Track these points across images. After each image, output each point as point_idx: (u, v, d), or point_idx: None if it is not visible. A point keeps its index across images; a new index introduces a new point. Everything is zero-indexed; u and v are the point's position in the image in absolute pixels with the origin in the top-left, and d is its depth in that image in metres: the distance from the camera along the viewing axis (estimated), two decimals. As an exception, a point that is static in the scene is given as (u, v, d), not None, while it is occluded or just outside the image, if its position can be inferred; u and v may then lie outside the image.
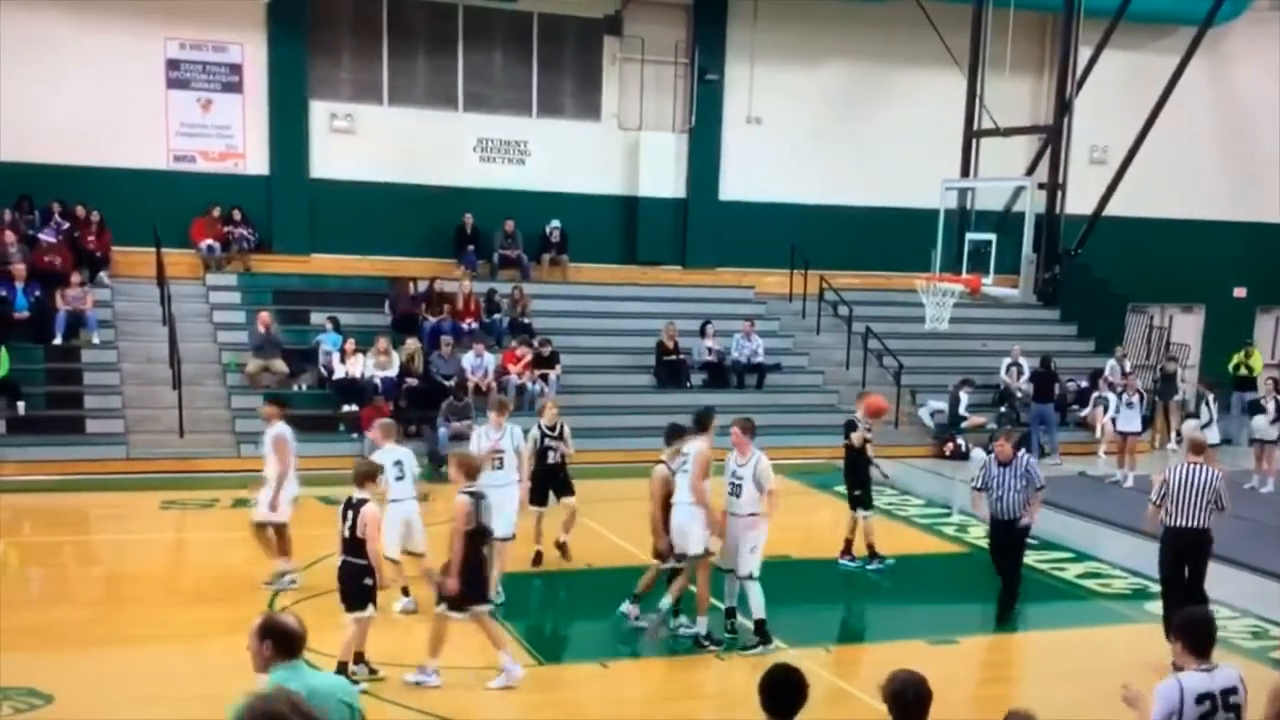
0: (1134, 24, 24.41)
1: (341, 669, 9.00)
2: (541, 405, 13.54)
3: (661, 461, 10.72)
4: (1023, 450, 11.85)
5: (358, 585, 9.36)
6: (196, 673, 9.89)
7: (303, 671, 5.03)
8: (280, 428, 11.96)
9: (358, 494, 9.39)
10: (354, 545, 9.32)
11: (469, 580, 9.29)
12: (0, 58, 19.67)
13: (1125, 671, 11.28)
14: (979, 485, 11.75)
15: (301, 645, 5.08)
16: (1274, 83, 25.34)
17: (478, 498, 9.40)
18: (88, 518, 15.50)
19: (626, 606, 10.93)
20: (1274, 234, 26.71)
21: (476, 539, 9.30)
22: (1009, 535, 11.63)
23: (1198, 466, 10.87)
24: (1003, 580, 11.77)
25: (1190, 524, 10.83)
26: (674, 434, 10.85)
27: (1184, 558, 10.93)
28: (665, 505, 10.56)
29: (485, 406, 18.63)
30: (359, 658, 9.49)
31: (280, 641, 5.01)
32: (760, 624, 10.50)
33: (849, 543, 13.54)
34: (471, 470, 9.64)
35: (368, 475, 9.59)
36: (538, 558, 12.90)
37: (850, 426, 13.52)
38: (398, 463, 11.22)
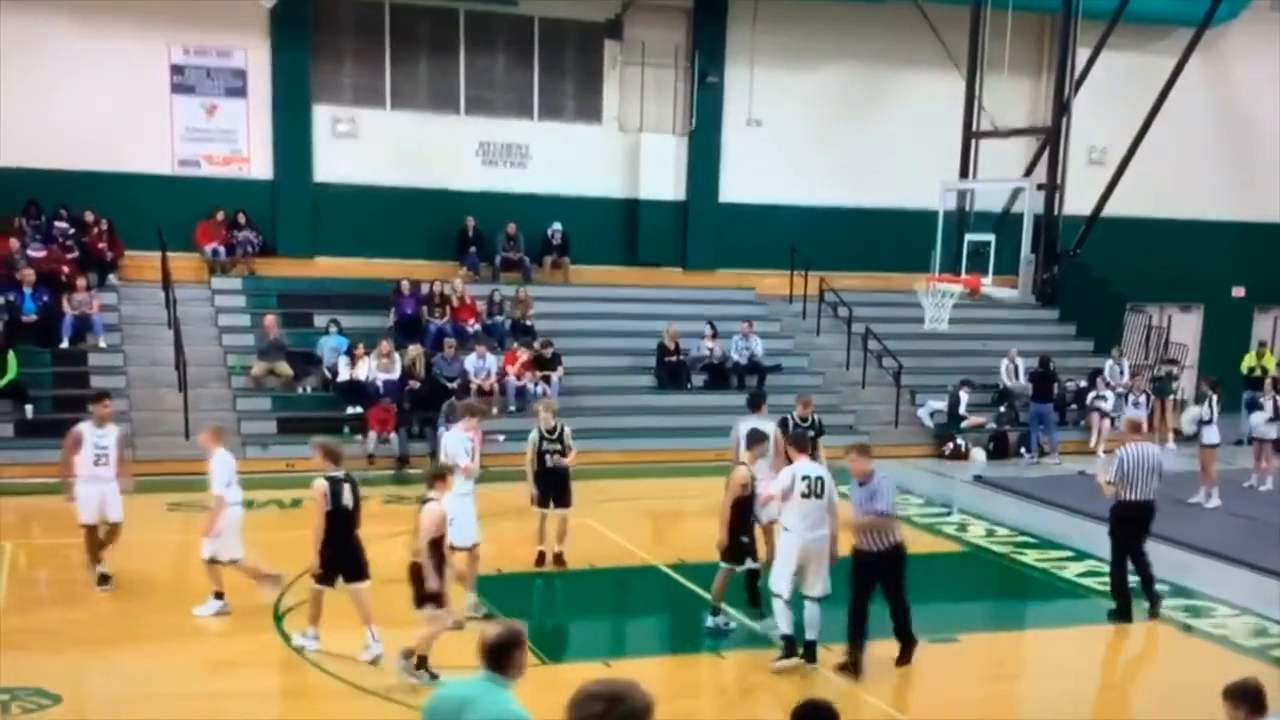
0: (1132, 25, 24.47)
1: (421, 663, 9.43)
2: (537, 408, 13.46)
3: (742, 464, 10.84)
4: (879, 475, 10.13)
5: (415, 585, 9.50)
6: (203, 672, 10.10)
7: (494, 689, 4.97)
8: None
9: (428, 494, 9.54)
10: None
11: (330, 556, 10.02)
12: (6, 63, 19.80)
13: (1125, 669, 11.60)
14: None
15: (505, 658, 5.05)
16: (1272, 83, 25.39)
17: (334, 482, 9.98)
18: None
19: (711, 621, 10.89)
20: (1272, 233, 26.75)
21: (334, 520, 9.98)
22: (880, 566, 10.10)
23: (1147, 445, 12.11)
24: (852, 616, 10.13)
25: (1143, 498, 11.86)
26: (756, 439, 11.00)
27: (1141, 530, 11.87)
28: (738, 506, 10.62)
29: (489, 407, 19.04)
30: (422, 661, 9.57)
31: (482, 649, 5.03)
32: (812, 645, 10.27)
33: None
34: (332, 455, 10.23)
35: (438, 476, 9.79)
36: (540, 558, 12.95)
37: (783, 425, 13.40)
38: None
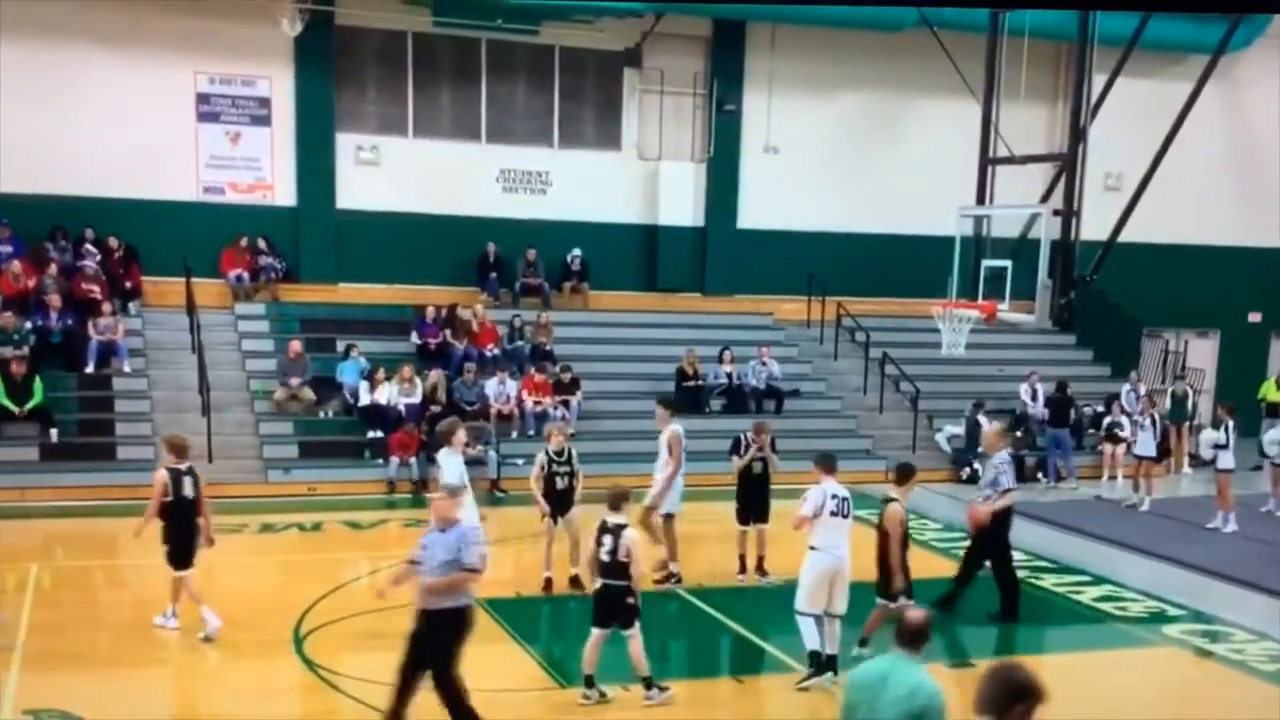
0: (1147, 52, 24.47)
1: (646, 683, 9.72)
2: (549, 431, 13.52)
3: (894, 499, 10.69)
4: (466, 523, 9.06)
5: (624, 606, 9.62)
6: (224, 695, 10.16)
7: (907, 664, 5.78)
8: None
9: (614, 518, 9.64)
10: (614, 569, 9.56)
11: (175, 542, 11.05)
12: (35, 91, 20.10)
13: (1143, 694, 11.61)
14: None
15: (921, 639, 5.88)
16: (1286, 109, 25.49)
17: (175, 474, 10.98)
18: (118, 543, 15.41)
19: (857, 650, 10.71)
20: (1289, 259, 26.75)
21: (174, 508, 10.96)
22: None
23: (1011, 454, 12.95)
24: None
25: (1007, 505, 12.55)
26: (907, 473, 11.05)
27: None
28: (903, 544, 10.64)
29: (508, 431, 19.19)
30: (590, 681, 9.78)
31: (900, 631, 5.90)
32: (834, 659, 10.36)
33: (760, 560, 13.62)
34: (176, 449, 11.18)
35: (624, 498, 9.87)
36: (548, 584, 12.90)
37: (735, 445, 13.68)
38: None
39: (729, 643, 11.69)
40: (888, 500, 10.70)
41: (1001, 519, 12.55)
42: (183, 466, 11.14)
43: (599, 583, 9.70)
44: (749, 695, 10.70)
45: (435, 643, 8.39)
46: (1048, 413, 21.36)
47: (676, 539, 13.40)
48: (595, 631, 9.73)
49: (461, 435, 11.88)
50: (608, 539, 9.53)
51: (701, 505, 14.71)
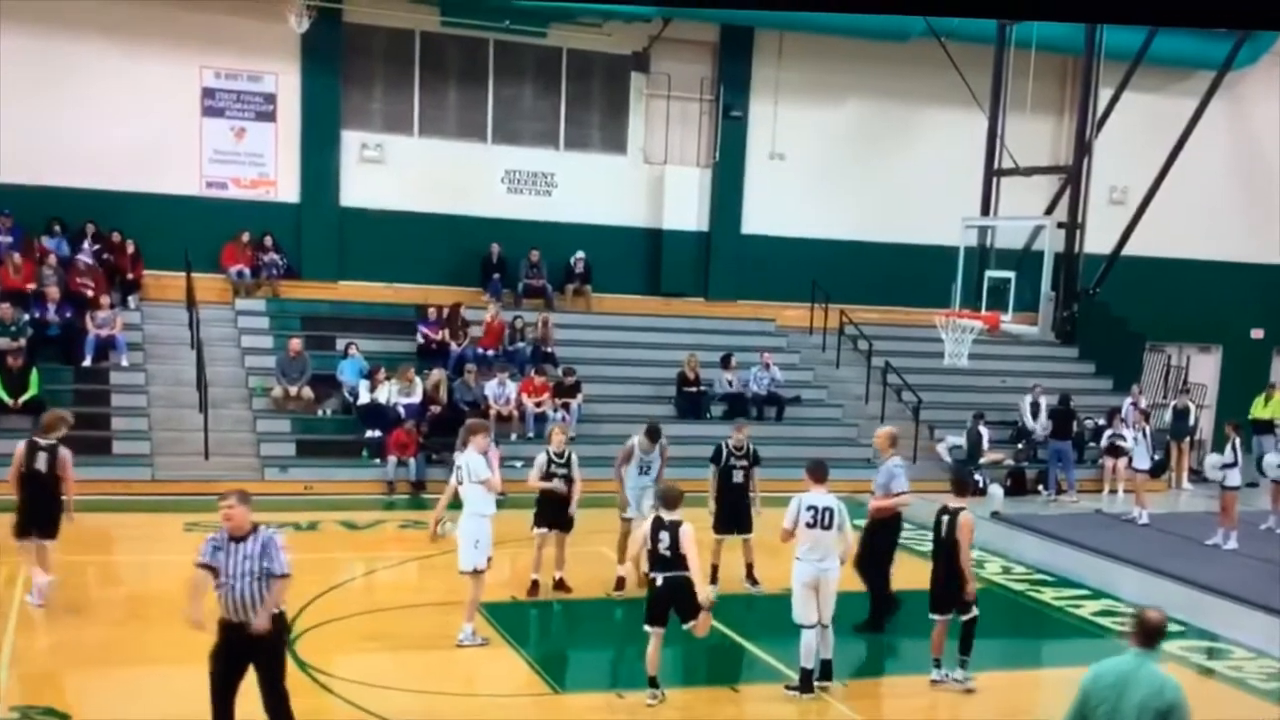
0: (1153, 66, 24.50)
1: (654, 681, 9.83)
2: (550, 431, 13.47)
3: (963, 509, 10.57)
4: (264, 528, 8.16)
5: (690, 595, 9.71)
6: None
7: (1149, 663, 6.12)
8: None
9: (670, 515, 9.81)
10: (675, 561, 9.71)
11: (25, 514, 11.57)
12: (40, 83, 20.04)
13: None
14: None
15: (1158, 638, 6.25)
16: (1291, 127, 25.49)
17: (31, 447, 11.60)
18: (112, 538, 15.47)
19: (936, 674, 10.68)
20: (1292, 275, 26.74)
21: (28, 481, 11.54)
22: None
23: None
24: None
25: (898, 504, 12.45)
26: (963, 485, 11.02)
27: None
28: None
29: (507, 433, 19.12)
30: (654, 681, 9.87)
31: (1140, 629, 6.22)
32: (827, 664, 10.40)
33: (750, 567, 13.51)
34: (45, 425, 11.78)
35: (679, 498, 10.01)
36: (534, 587, 12.81)
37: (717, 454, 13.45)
38: None
39: (723, 651, 11.58)
40: (954, 511, 10.50)
41: (892, 526, 12.34)
42: (42, 442, 11.68)
43: (658, 578, 9.75)
44: (742, 703, 10.62)
45: (261, 653, 7.97)
46: (1050, 425, 21.27)
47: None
48: (654, 630, 9.83)
49: (484, 438, 11.58)
50: (664, 534, 9.68)
51: (704, 511, 14.60)
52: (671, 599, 9.75)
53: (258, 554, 7.87)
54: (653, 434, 13.37)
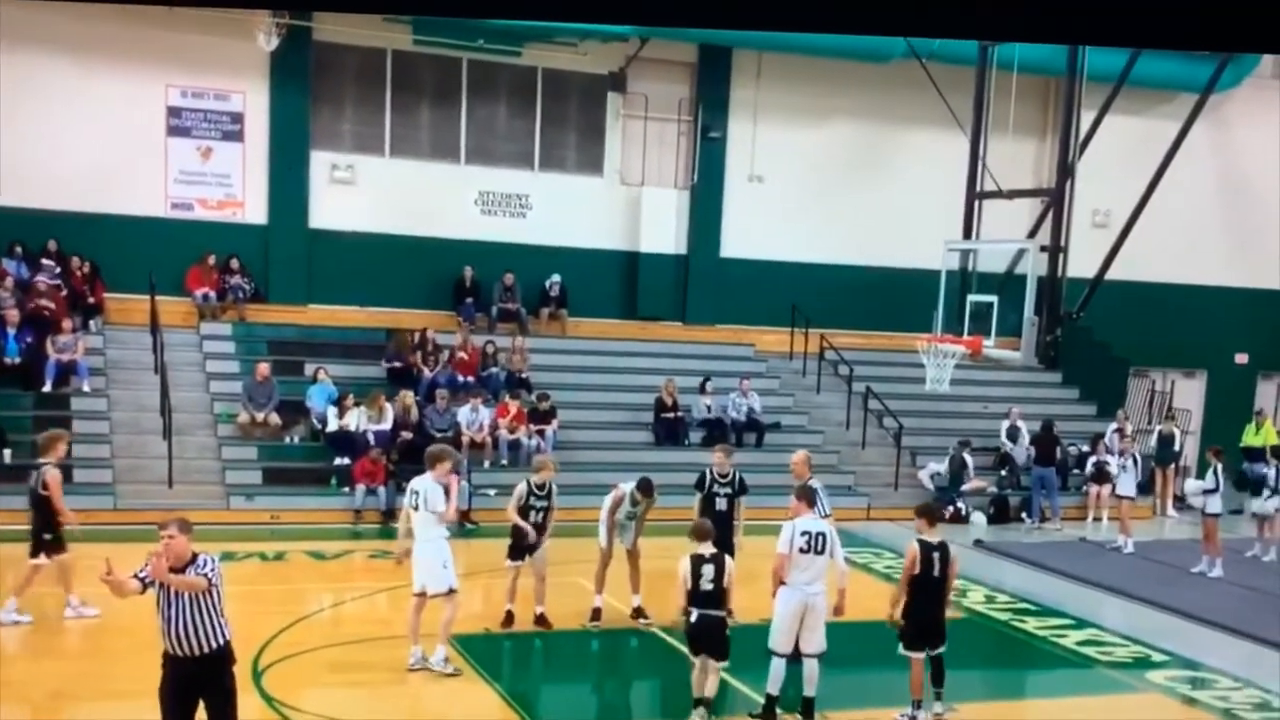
0: (1136, 89, 24.47)
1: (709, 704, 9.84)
2: (540, 463, 13.03)
3: (947, 544, 10.46)
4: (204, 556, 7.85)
5: (724, 636, 9.80)
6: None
7: None
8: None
9: (707, 549, 9.80)
10: (717, 598, 9.70)
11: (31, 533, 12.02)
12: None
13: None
14: None
15: None
16: (1274, 150, 25.29)
17: (36, 469, 12.05)
18: (73, 569, 15.16)
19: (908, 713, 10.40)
20: (1276, 300, 26.62)
21: (31, 502, 12.10)
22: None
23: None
24: None
25: None
26: (935, 516, 10.73)
27: None
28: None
29: (480, 460, 18.71)
30: (705, 703, 9.85)
31: None
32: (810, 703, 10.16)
33: None
34: (44, 446, 12.25)
35: (711, 531, 10.09)
36: (509, 618, 12.45)
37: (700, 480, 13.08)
38: None
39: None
40: (942, 546, 10.28)
41: None
42: (39, 462, 12.21)
43: (694, 614, 9.68)
44: None
45: (207, 686, 7.69)
46: (1033, 451, 20.99)
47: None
48: (698, 660, 9.83)
49: (448, 465, 11.35)
50: (708, 568, 9.63)
51: (682, 541, 14.28)
52: (704, 635, 9.71)
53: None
54: (646, 489, 13.01)
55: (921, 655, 10.21)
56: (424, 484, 10.99)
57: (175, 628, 7.53)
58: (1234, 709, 11.28)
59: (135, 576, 7.56)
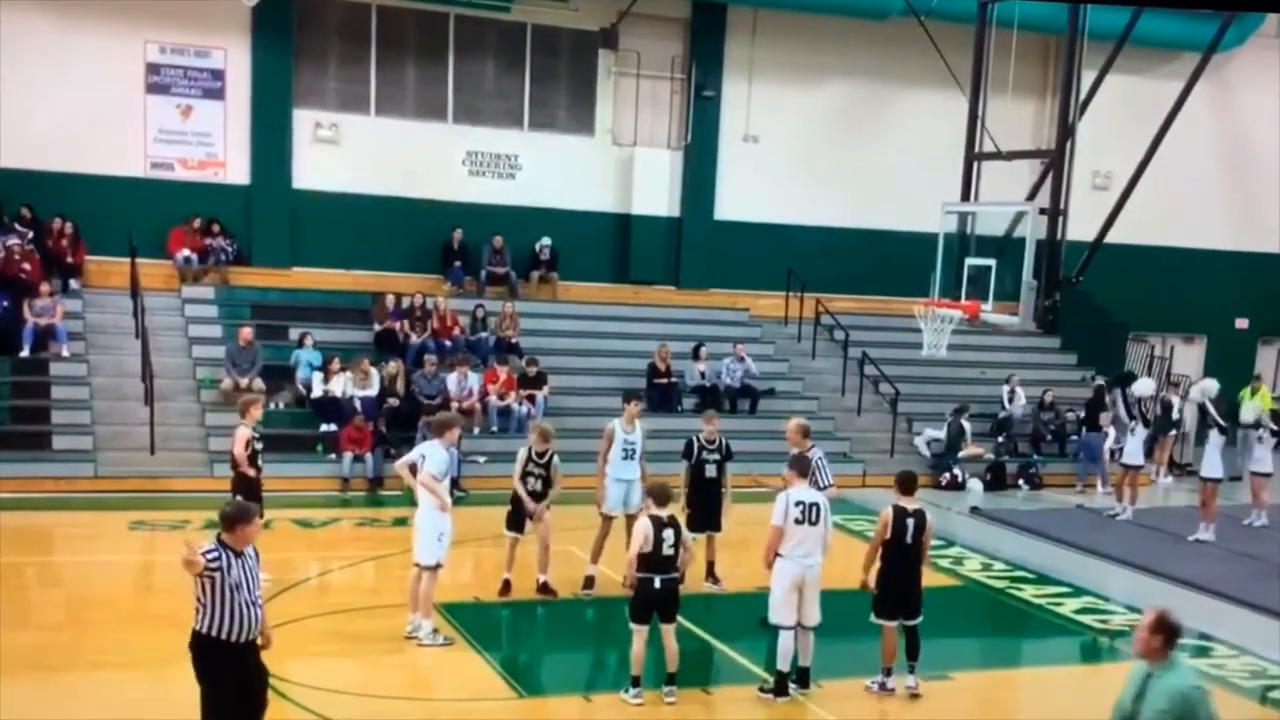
0: (1138, 48, 24.21)
1: (672, 678, 9.72)
2: (532, 429, 12.98)
3: (923, 510, 10.25)
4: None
5: (677, 599, 9.72)
6: (159, 700, 9.42)
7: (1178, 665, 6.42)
8: None
9: (666, 512, 9.75)
10: (674, 562, 9.65)
11: None
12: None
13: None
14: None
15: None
16: (1277, 111, 25.16)
17: None
18: (52, 538, 15.05)
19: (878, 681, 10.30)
20: (1276, 265, 26.56)
21: None
22: None
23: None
24: None
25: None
26: (913, 483, 10.47)
27: None
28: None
29: (470, 427, 18.36)
30: (638, 680, 9.73)
31: (1172, 637, 6.44)
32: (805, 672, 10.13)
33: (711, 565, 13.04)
34: None
35: (670, 493, 10.02)
36: (505, 587, 12.30)
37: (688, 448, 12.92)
38: None
39: (696, 653, 11.04)
40: (918, 513, 10.07)
41: None
42: None
43: (655, 580, 9.52)
44: (715, 706, 10.22)
45: (264, 674, 7.60)
46: (1027, 415, 20.82)
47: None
48: (640, 628, 9.63)
49: (456, 433, 11.39)
50: (669, 533, 9.55)
51: (675, 508, 14.07)
52: (664, 601, 9.59)
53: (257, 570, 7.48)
54: (633, 398, 13.08)
55: (894, 624, 10.08)
56: (430, 448, 10.98)
57: (254, 614, 7.32)
58: (1229, 677, 11.19)
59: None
